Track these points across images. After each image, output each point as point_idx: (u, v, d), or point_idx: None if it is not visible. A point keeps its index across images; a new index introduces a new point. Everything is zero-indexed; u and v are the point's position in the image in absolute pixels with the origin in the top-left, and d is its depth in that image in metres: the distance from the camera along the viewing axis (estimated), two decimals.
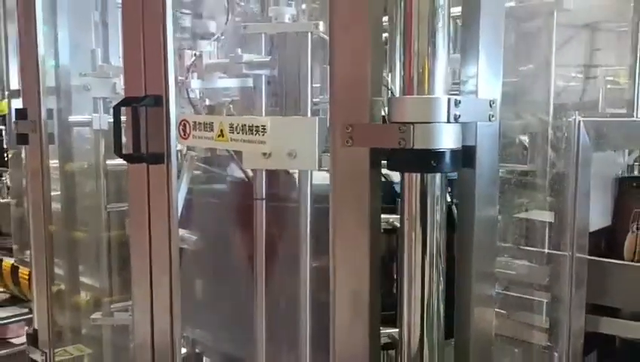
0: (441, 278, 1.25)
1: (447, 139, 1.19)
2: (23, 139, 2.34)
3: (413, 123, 1.17)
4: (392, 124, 1.20)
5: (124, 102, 1.76)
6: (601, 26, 2.18)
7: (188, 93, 1.90)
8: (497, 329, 2.01)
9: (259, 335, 1.73)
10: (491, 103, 1.27)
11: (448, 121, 1.17)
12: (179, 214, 1.84)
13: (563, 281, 1.75)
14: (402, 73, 1.22)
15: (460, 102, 1.18)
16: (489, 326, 1.40)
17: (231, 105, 1.99)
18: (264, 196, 1.75)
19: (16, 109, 2.38)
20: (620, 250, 1.82)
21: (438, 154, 1.18)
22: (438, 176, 1.22)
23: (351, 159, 1.28)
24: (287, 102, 1.82)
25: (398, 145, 1.18)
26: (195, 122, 1.64)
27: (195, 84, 1.87)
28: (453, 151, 1.20)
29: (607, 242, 1.84)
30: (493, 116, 1.28)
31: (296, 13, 1.77)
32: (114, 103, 1.85)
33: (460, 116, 1.18)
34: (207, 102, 2.04)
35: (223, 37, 2.06)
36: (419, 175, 1.22)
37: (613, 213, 1.82)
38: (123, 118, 1.79)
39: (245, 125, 1.50)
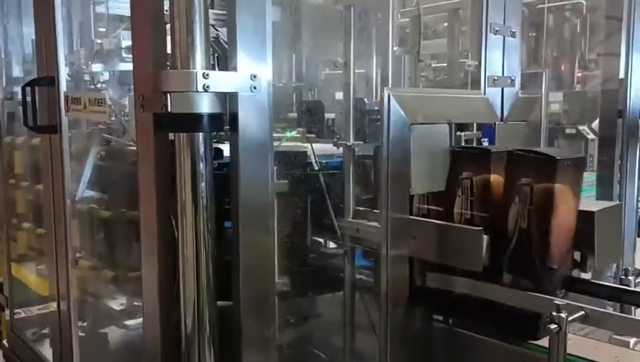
0: (208, 224, 1.53)
1: (199, 105, 1.48)
2: None
3: (169, 92, 1.46)
4: (159, 92, 1.50)
5: (28, 83, 2.14)
6: None
7: (92, 75, 2.26)
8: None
9: None
10: (252, 77, 1.54)
11: (197, 90, 1.46)
12: (88, 178, 2.21)
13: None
14: (171, 54, 1.51)
15: (208, 75, 1.46)
16: (262, 282, 1.64)
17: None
18: None
19: None
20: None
21: (193, 117, 1.48)
22: (200, 135, 1.51)
23: (143, 123, 1.59)
24: None
25: (161, 110, 1.48)
26: (72, 98, 1.99)
27: (96, 67, 2.24)
28: (210, 116, 1.49)
29: (445, 205, 2.03)
30: (255, 88, 1.55)
31: None
32: None
33: (209, 86, 1.46)
34: None
35: None
36: (186, 135, 1.51)
37: (447, 180, 2.02)
38: None
39: (94, 99, 1.84)
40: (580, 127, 6.04)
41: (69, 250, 2.14)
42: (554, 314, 1.62)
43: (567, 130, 5.98)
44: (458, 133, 2.18)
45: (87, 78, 2.32)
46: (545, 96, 2.50)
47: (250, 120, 1.56)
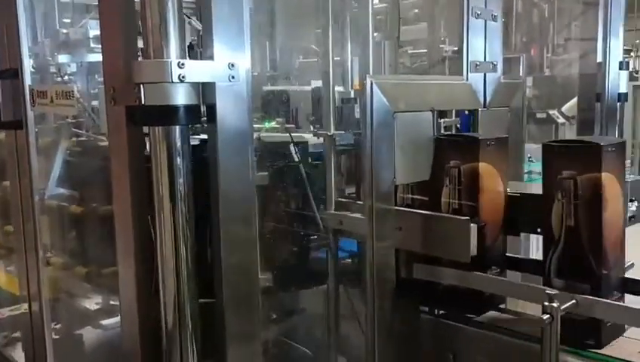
0: (187, 219, 1.46)
1: (175, 96, 1.39)
2: None
3: (143, 83, 1.38)
4: (132, 84, 1.41)
5: None
6: None
7: (59, 67, 2.16)
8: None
9: None
10: (230, 66, 1.46)
11: (172, 81, 1.37)
12: (57, 174, 2.11)
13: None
14: (144, 43, 1.42)
15: (183, 64, 1.38)
16: (245, 277, 1.56)
17: None
18: None
19: None
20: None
21: (168, 109, 1.39)
22: (177, 128, 1.43)
23: (115, 116, 1.50)
24: None
25: (134, 102, 1.40)
26: (37, 91, 1.89)
27: (62, 58, 2.13)
28: (187, 107, 1.41)
29: (431, 195, 1.98)
30: (234, 77, 1.47)
31: None
32: None
33: (185, 77, 1.38)
34: None
35: None
36: (161, 129, 1.43)
37: (432, 169, 1.97)
38: None
39: (61, 92, 1.74)
40: (551, 112, 6.07)
41: (39, 249, 2.04)
42: (546, 304, 1.59)
43: (538, 115, 6.01)
44: (437, 119, 2.13)
45: (53, 70, 2.21)
46: (523, 80, 2.47)
47: (229, 111, 1.48)
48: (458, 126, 2.30)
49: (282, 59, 3.43)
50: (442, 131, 2.08)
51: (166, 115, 1.40)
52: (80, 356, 2.45)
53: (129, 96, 1.44)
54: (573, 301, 1.64)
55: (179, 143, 1.44)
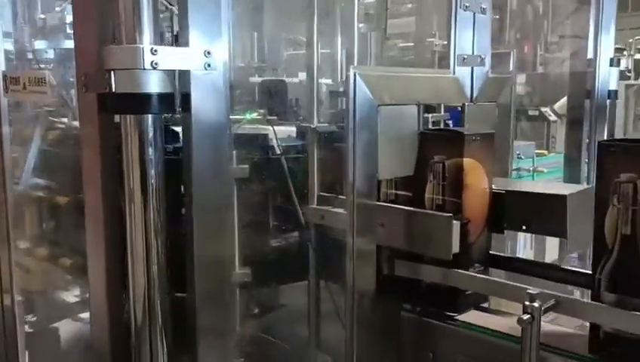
0: (159, 213, 1.41)
1: (147, 84, 1.34)
2: None
3: (114, 70, 1.33)
4: (103, 70, 1.36)
5: None
6: None
7: (34, 52, 2.10)
8: None
9: None
10: (206, 53, 1.41)
11: (144, 68, 1.32)
12: (32, 164, 2.06)
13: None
14: (116, 28, 1.37)
15: (156, 51, 1.33)
16: (219, 273, 1.53)
17: None
18: None
19: None
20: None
21: (140, 97, 1.34)
22: (149, 117, 1.38)
23: (87, 104, 1.45)
24: None
25: (105, 90, 1.35)
26: (10, 77, 1.83)
27: (38, 44, 2.07)
28: (160, 96, 1.36)
29: (414, 190, 1.94)
30: (210, 65, 1.42)
31: None
32: None
33: (158, 63, 1.33)
34: None
35: None
36: (133, 117, 1.38)
37: (416, 164, 1.92)
38: None
39: (34, 78, 1.69)
40: (543, 109, 6.06)
41: (11, 240, 1.99)
42: (527, 303, 1.55)
43: (530, 112, 6.00)
44: (425, 114, 2.08)
45: (30, 56, 2.15)
46: (512, 76, 2.43)
47: (205, 101, 1.44)
48: (447, 121, 2.26)
49: (270, 50, 3.39)
50: (430, 126, 2.03)
51: (138, 103, 1.36)
52: (55, 350, 2.40)
53: (100, 83, 1.39)
54: (553, 300, 1.60)
55: (151, 133, 1.39)
